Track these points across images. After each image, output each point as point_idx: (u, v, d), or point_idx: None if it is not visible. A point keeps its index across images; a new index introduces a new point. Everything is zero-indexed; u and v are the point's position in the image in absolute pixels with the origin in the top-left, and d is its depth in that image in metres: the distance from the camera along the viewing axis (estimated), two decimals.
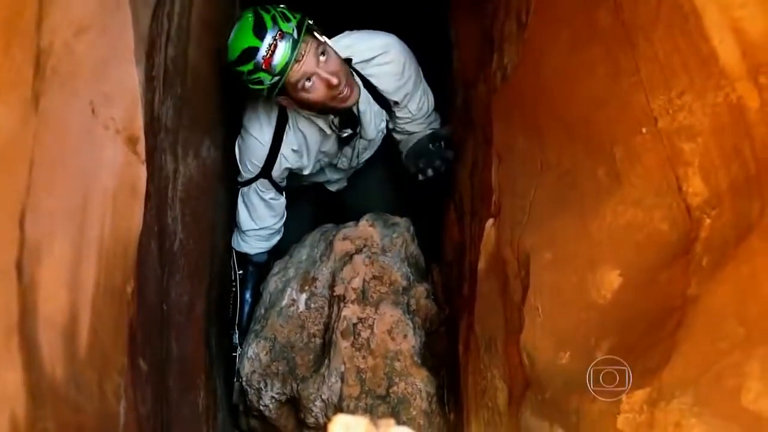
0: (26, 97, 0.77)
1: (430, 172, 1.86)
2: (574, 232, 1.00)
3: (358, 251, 1.78)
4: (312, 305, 1.77)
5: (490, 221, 1.32)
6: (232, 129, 1.88)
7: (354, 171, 2.17)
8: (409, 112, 1.91)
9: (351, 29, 1.84)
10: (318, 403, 1.61)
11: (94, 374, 0.89)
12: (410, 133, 1.98)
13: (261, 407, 1.73)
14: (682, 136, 0.80)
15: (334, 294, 1.72)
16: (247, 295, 2.01)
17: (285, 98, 1.69)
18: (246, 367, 1.76)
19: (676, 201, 0.82)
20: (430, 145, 1.91)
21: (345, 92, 1.65)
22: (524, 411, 1.04)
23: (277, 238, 2.06)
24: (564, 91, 1.09)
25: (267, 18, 1.56)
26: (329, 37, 1.69)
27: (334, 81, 1.60)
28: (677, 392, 0.71)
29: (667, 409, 0.71)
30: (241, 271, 2.01)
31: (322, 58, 1.60)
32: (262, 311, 1.86)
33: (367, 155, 2.06)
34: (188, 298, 1.52)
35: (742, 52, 0.72)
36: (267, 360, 1.74)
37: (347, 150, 1.98)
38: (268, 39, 1.54)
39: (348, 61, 1.75)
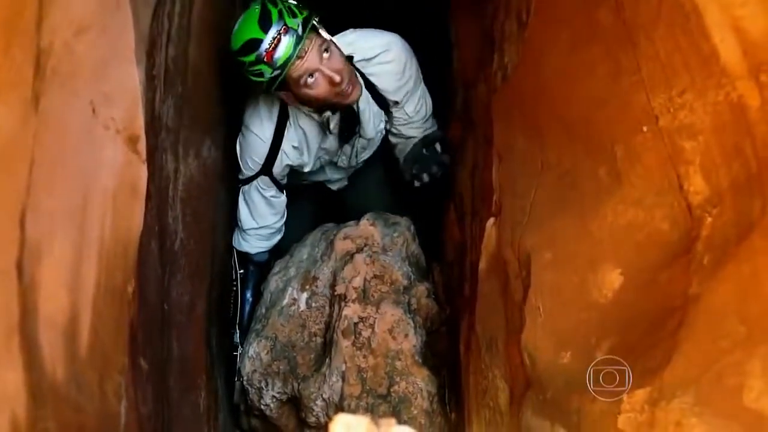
0: (26, 97, 0.77)
1: (425, 177, 1.84)
2: (575, 231, 1.00)
3: (359, 250, 1.78)
4: (313, 304, 1.77)
5: (491, 221, 1.31)
6: (233, 129, 1.88)
7: (355, 170, 2.17)
8: (406, 113, 1.90)
9: (352, 28, 1.84)
10: (319, 402, 1.61)
11: (95, 374, 0.89)
12: (407, 137, 1.96)
13: (262, 407, 1.73)
14: (683, 135, 0.80)
15: (335, 293, 1.72)
16: (248, 295, 2.01)
17: (286, 93, 1.69)
18: (247, 367, 1.76)
19: (677, 200, 0.82)
20: (424, 150, 1.89)
21: (347, 89, 1.65)
22: (525, 411, 1.04)
23: (278, 237, 2.06)
24: (564, 91, 1.09)
25: (274, 11, 1.56)
26: (331, 35, 1.69)
27: (337, 78, 1.61)
28: (678, 392, 0.71)
29: (668, 409, 0.71)
30: (241, 271, 2.01)
31: (325, 55, 1.60)
32: (263, 310, 1.86)
33: (366, 155, 2.05)
34: (189, 298, 1.53)
35: (743, 50, 0.72)
36: (268, 359, 1.74)
37: (347, 148, 1.98)
38: (272, 32, 1.54)
39: (349, 59, 1.75)
